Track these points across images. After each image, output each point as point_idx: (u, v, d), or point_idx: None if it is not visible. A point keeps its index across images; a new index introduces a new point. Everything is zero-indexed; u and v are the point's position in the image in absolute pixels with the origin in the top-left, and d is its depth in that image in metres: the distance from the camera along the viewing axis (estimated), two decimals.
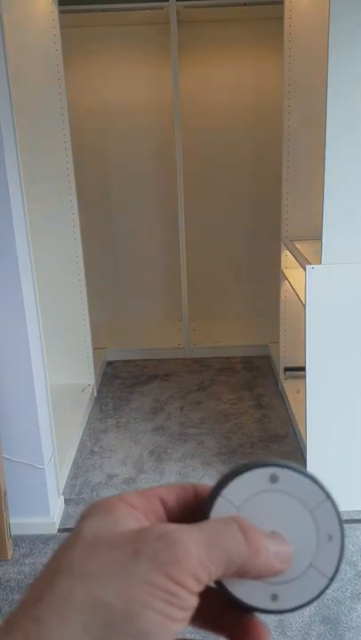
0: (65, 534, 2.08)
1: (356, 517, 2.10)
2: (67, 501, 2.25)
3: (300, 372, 2.91)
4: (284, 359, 3.06)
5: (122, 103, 3.58)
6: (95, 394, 3.12)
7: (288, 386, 3.00)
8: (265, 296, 3.82)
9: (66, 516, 2.17)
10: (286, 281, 2.83)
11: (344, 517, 1.91)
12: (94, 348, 3.16)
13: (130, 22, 3.35)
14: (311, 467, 2.12)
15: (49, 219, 2.83)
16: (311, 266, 1.97)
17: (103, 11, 3.02)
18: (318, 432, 2.10)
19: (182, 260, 3.45)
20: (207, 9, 3.12)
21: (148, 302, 3.98)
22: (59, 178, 2.82)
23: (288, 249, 2.71)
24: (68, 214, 2.88)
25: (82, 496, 2.28)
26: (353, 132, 1.85)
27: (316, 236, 2.02)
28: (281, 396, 3.02)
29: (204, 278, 3.90)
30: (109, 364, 3.54)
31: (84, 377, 3.11)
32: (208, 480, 2.34)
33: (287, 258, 2.86)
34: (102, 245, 3.84)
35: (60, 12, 2.71)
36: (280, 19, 2.70)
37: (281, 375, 3.09)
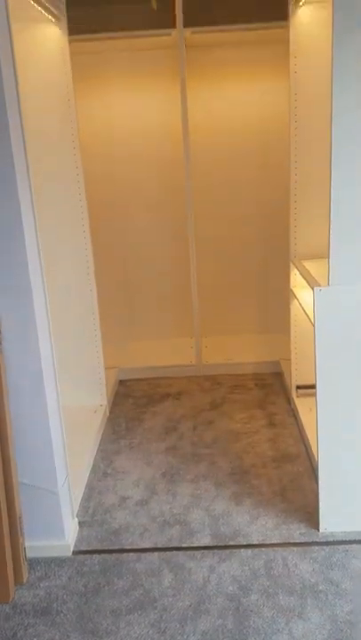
0: (79, 557, 2.09)
1: None
2: (81, 524, 2.27)
3: (313, 390, 2.92)
4: (296, 376, 3.07)
5: (131, 126, 3.64)
6: (108, 414, 3.15)
7: (300, 404, 3.01)
8: (276, 312, 3.83)
9: (80, 538, 2.19)
10: (296, 299, 2.84)
11: (356, 538, 1.92)
12: (106, 368, 3.19)
13: (138, 48, 3.42)
14: (323, 487, 2.12)
15: (60, 238, 2.87)
16: (319, 288, 1.99)
17: (112, 38, 3.08)
18: (330, 452, 2.10)
19: (193, 278, 3.49)
20: (214, 34, 3.17)
21: (159, 320, 4.01)
22: (70, 199, 2.87)
23: (297, 268, 2.73)
24: (79, 233, 2.92)
25: (95, 518, 2.30)
26: (359, 151, 1.87)
27: (324, 255, 2.05)
28: (293, 414, 3.02)
29: (214, 295, 3.92)
30: (121, 382, 3.57)
31: (97, 397, 3.14)
32: (220, 501, 2.35)
33: (296, 277, 2.87)
34: (113, 265, 3.88)
35: (70, 40, 2.78)
36: (285, 41, 2.74)
37: (293, 393, 3.09)
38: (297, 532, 2.16)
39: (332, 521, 2.15)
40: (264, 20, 3.06)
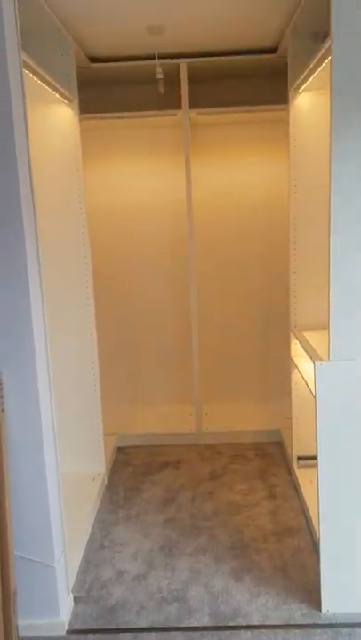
0: (73, 636, 2.02)
1: None
2: (76, 599, 2.20)
3: (314, 461, 2.89)
4: (297, 446, 3.04)
5: (137, 201, 3.77)
6: (106, 482, 3.10)
7: (301, 475, 2.97)
8: (277, 381, 3.85)
9: (75, 615, 2.12)
10: (296, 369, 2.86)
11: (359, 621, 1.86)
12: (105, 434, 3.17)
13: (145, 126, 3.59)
14: (324, 565, 2.07)
15: (64, 302, 2.92)
16: (320, 362, 2.02)
17: (121, 117, 3.24)
18: (331, 528, 2.06)
19: (194, 345, 3.52)
20: (217, 115, 3.33)
21: (159, 386, 4.01)
22: (76, 268, 2.93)
23: (297, 339, 2.77)
24: (83, 298, 2.97)
25: (92, 593, 2.24)
26: (356, 227, 1.94)
27: (323, 325, 2.08)
28: (294, 486, 2.98)
29: (216, 363, 3.94)
30: (120, 449, 3.53)
31: (95, 464, 3.10)
32: (220, 577, 2.29)
33: (296, 346, 2.90)
34: (116, 330, 3.93)
35: (81, 118, 2.92)
36: (285, 121, 2.88)
37: (294, 463, 3.06)
38: (298, 612, 2.09)
39: (334, 602, 2.09)
40: (265, 102, 3.24)
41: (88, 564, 2.42)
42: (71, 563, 2.28)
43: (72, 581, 2.26)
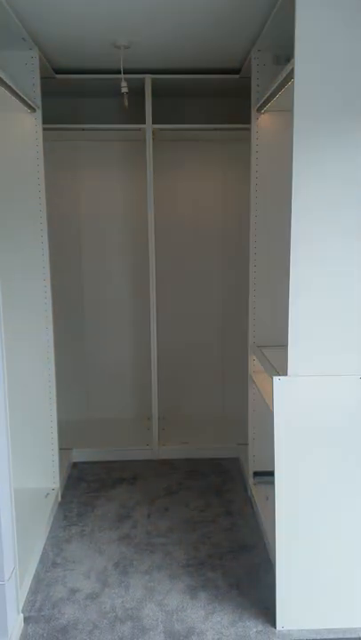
0: None
1: (326, 637, 2.03)
2: (26, 619, 2.13)
3: (270, 477, 2.90)
4: (254, 462, 3.05)
5: (99, 212, 3.76)
6: (60, 499, 3.03)
7: (258, 492, 2.97)
8: (234, 397, 3.87)
9: (24, 636, 2.05)
10: (254, 385, 2.88)
11: (313, 637, 1.86)
12: (60, 448, 3.10)
13: (109, 138, 3.59)
14: (280, 582, 2.07)
15: (21, 314, 2.86)
16: (278, 377, 2.03)
17: (84, 129, 3.23)
18: (287, 545, 2.07)
19: (153, 360, 3.50)
20: (181, 131, 3.37)
21: (116, 401, 3.97)
22: (34, 278, 2.88)
23: (255, 355, 2.79)
24: (40, 311, 2.91)
25: (42, 613, 2.17)
26: (316, 247, 1.97)
27: (280, 342, 2.10)
28: (250, 503, 2.98)
29: (174, 378, 3.93)
30: (75, 465, 3.46)
31: (49, 480, 3.03)
32: (175, 594, 2.26)
33: (255, 362, 2.92)
34: (73, 344, 3.88)
35: (45, 129, 2.89)
36: (247, 140, 2.93)
37: (250, 480, 3.06)
38: (253, 629, 2.08)
39: (289, 618, 2.08)
40: (229, 121, 3.29)
41: (39, 584, 2.35)
42: (22, 581, 2.21)
43: (22, 600, 2.19)
